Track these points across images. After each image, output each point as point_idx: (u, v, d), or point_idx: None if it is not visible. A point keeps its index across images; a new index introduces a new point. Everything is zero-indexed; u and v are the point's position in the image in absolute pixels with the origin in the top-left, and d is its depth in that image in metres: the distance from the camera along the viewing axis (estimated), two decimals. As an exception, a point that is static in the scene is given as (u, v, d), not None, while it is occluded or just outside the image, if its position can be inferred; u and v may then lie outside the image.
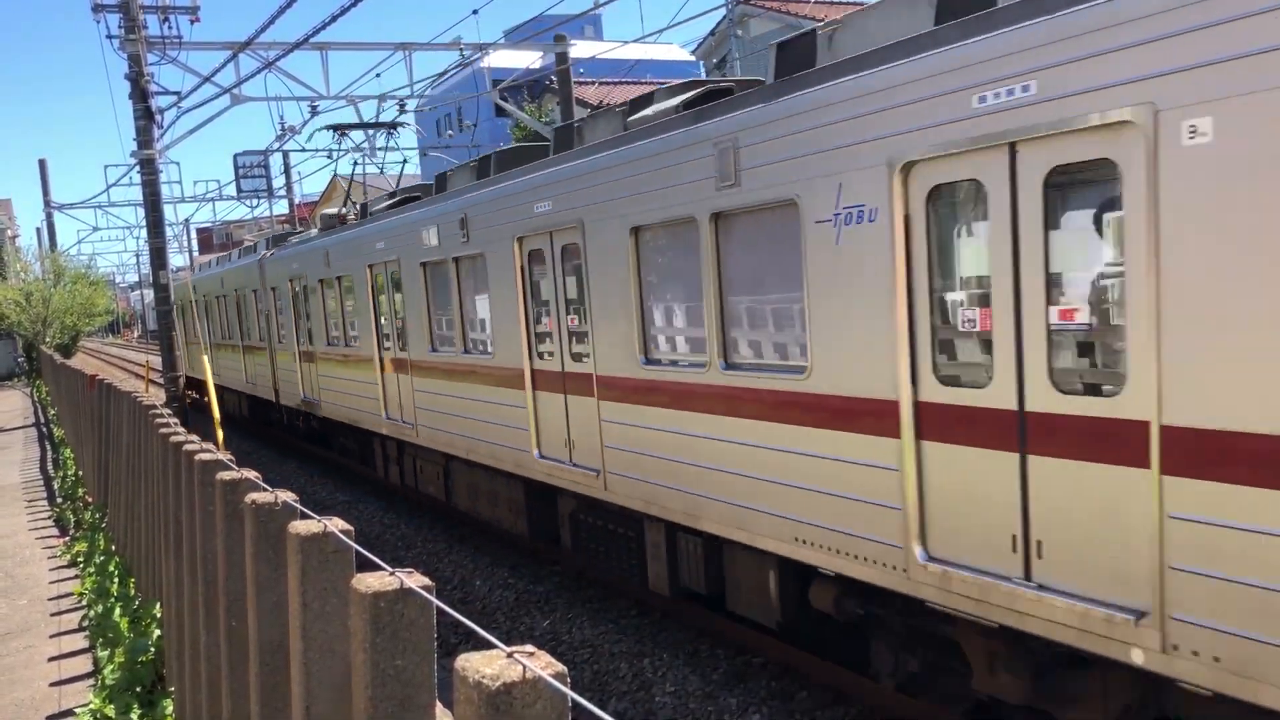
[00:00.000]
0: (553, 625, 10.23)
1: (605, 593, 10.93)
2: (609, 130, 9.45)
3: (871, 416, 6.27)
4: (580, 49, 31.05)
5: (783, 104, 6.76)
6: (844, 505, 6.60)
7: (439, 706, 2.86)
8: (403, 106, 25.63)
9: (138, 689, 7.47)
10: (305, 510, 3.77)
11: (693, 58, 39.26)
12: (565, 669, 2.08)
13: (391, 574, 2.78)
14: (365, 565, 3.12)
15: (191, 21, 21.29)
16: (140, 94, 20.45)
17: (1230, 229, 4.38)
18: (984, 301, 5.59)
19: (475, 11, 24.09)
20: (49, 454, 22.90)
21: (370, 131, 21.02)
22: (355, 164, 21.56)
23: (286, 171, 39.39)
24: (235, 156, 41.39)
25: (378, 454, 16.38)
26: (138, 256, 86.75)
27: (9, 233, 61.96)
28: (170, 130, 24.89)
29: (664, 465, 8.39)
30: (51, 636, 9.61)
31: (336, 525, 3.37)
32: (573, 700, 2.05)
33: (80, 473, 17.44)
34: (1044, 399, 5.28)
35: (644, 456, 8.65)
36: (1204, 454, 4.58)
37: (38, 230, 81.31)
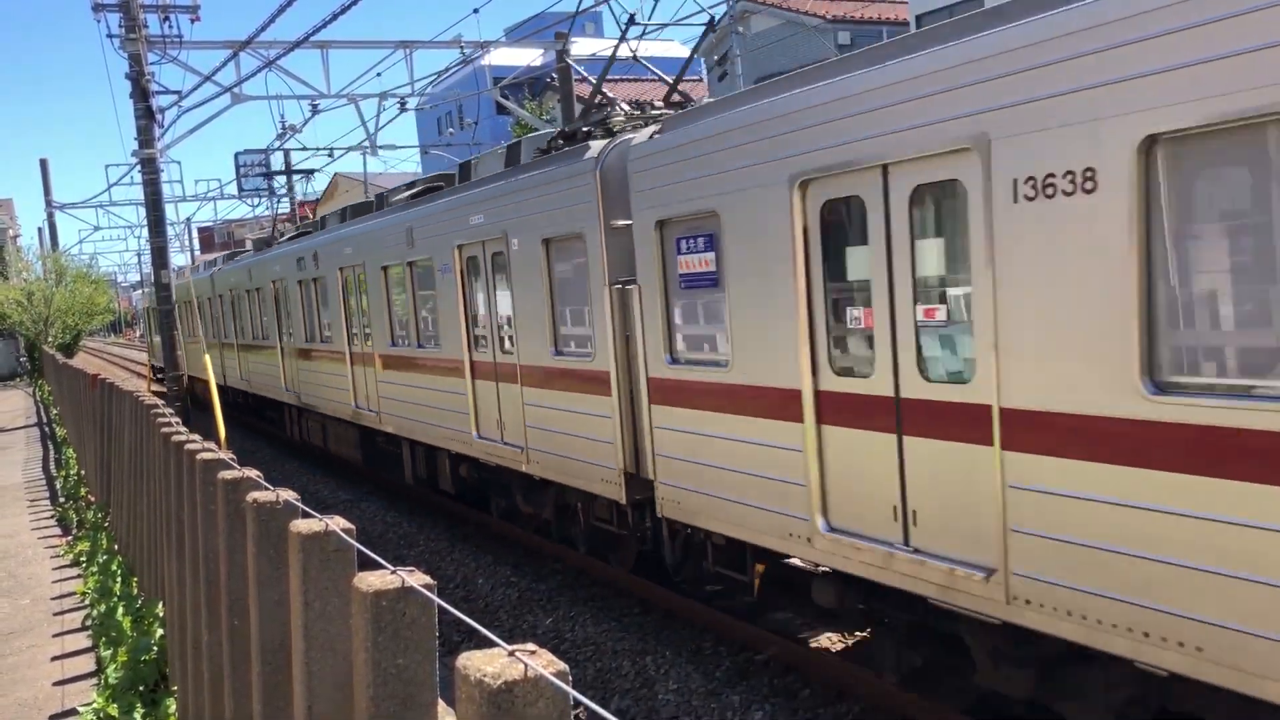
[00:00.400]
0: (555, 623, 10.23)
1: (608, 591, 10.93)
2: (386, 203, 15.43)
3: (457, 366, 12.25)
4: (580, 46, 31.03)
5: (422, 210, 13.03)
6: (455, 416, 12.46)
7: (441, 705, 2.86)
8: (403, 104, 25.64)
9: (141, 688, 7.47)
10: (307, 509, 3.76)
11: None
12: (566, 667, 2.07)
13: (393, 572, 2.77)
14: (367, 564, 3.12)
15: (192, 20, 21.29)
16: (141, 93, 20.43)
17: (525, 281, 10.46)
18: (486, 310, 11.48)
19: (476, 10, 24.00)
20: (51, 454, 22.92)
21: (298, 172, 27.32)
22: (279, 200, 25.15)
23: (288, 170, 39.28)
24: (236, 155, 41.31)
25: (286, 419, 22.12)
26: (139, 256, 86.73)
27: (10, 232, 62.01)
28: (171, 129, 24.89)
29: (402, 405, 14.27)
30: (54, 636, 9.62)
31: (338, 524, 3.37)
32: (575, 698, 2.05)
33: (82, 472, 17.46)
34: (500, 357, 11.24)
35: (396, 401, 14.54)
36: (531, 376, 10.50)
37: (39, 230, 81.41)
